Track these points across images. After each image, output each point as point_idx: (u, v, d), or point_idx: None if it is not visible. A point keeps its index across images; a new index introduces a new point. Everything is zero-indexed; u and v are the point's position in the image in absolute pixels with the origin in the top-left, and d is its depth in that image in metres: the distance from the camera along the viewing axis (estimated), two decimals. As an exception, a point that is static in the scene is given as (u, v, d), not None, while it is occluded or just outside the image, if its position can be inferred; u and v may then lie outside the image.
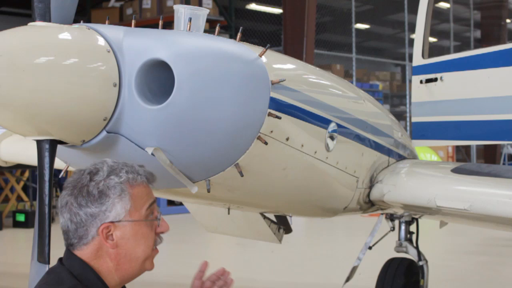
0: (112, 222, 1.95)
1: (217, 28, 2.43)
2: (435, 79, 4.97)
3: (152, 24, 11.68)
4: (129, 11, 14.30)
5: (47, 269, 2.13)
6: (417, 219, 4.58)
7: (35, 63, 1.99)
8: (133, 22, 2.58)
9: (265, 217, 4.27)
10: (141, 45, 2.23)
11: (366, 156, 3.27)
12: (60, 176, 2.76)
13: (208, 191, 2.41)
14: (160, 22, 2.62)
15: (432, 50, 5.20)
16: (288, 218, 4.79)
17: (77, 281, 1.92)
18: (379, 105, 3.80)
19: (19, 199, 12.34)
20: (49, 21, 2.11)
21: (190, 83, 2.17)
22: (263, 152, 2.41)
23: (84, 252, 1.97)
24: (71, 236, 1.97)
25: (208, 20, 9.13)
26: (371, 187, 3.45)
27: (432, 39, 17.42)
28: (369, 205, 3.54)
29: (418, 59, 5.10)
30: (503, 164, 18.06)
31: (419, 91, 5.07)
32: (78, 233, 1.96)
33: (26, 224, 10.87)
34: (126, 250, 1.98)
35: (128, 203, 1.97)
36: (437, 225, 5.48)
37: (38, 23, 2.10)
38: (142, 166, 2.05)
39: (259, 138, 2.35)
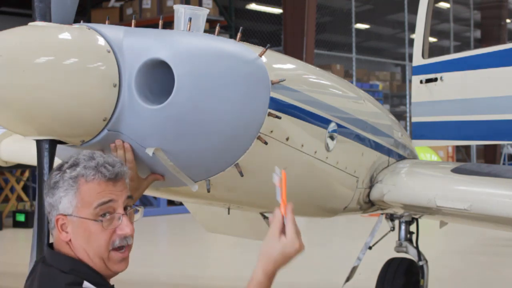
0: (64, 214, 1.96)
1: (217, 28, 2.43)
2: (435, 79, 4.97)
3: (152, 24, 11.67)
4: (129, 11, 14.30)
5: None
6: (417, 219, 4.57)
7: (35, 63, 1.99)
8: (133, 22, 2.58)
9: (265, 217, 4.27)
10: (141, 45, 2.23)
11: (366, 156, 3.27)
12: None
13: (208, 191, 2.41)
14: (160, 22, 2.62)
15: (432, 50, 5.20)
16: (288, 218, 4.79)
17: (73, 276, 1.92)
18: (379, 105, 3.80)
19: (19, 199, 12.34)
20: (50, 21, 2.11)
21: (190, 83, 2.17)
22: (263, 152, 2.41)
23: (56, 241, 2.01)
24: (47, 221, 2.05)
25: (208, 20, 9.12)
26: (371, 187, 3.45)
27: (432, 39, 17.43)
28: (369, 205, 3.54)
29: (418, 59, 5.10)
30: (503, 164, 18.06)
31: (419, 91, 5.07)
32: (48, 219, 2.03)
33: (26, 224, 10.87)
34: (81, 245, 1.97)
35: (74, 198, 1.95)
36: (437, 225, 5.48)
37: (39, 23, 2.10)
38: (120, 163, 2.01)
39: (259, 138, 2.35)
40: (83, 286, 1.91)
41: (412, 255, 4.57)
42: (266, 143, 2.36)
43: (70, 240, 1.97)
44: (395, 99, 22.30)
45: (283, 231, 1.92)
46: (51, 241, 2.07)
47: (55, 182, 1.97)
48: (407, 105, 17.32)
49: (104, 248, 1.97)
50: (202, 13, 2.44)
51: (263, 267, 1.92)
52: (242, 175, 2.38)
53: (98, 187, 1.96)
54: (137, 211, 2.07)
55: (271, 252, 1.92)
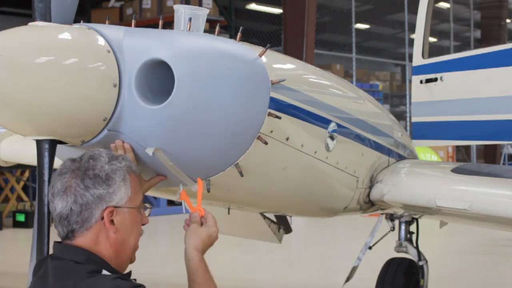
0: (115, 206, 1.99)
1: (217, 28, 2.43)
2: (435, 79, 4.97)
3: (152, 24, 11.68)
4: (129, 11, 14.31)
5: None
6: (417, 219, 4.57)
7: (35, 63, 1.99)
8: (133, 22, 2.57)
9: (265, 217, 4.28)
10: (141, 45, 2.22)
11: (366, 156, 3.27)
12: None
13: (208, 191, 2.41)
14: (160, 22, 2.62)
15: (432, 50, 5.20)
16: (288, 218, 4.80)
17: (91, 265, 1.94)
18: (379, 105, 3.80)
19: (19, 199, 12.34)
20: (50, 21, 2.11)
21: (190, 83, 2.17)
22: (263, 152, 2.41)
23: (84, 239, 1.98)
24: (72, 221, 1.97)
25: (208, 20, 9.12)
26: (371, 187, 3.45)
27: (432, 39, 17.43)
28: (369, 205, 3.54)
29: (418, 59, 5.10)
30: (503, 164, 18.07)
31: (419, 91, 5.07)
32: (82, 216, 1.97)
33: (26, 224, 10.87)
34: (123, 237, 2.03)
35: (129, 189, 2.03)
36: (437, 225, 5.48)
37: (39, 23, 2.10)
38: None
39: (259, 138, 2.35)
40: (102, 273, 1.93)
41: (412, 255, 4.57)
42: (266, 143, 2.36)
43: (117, 231, 2.00)
44: (395, 99, 22.30)
45: (201, 224, 2.21)
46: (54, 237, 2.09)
47: (107, 173, 1.99)
48: (407, 105, 17.33)
49: (139, 237, 2.09)
50: (202, 13, 2.44)
51: (193, 245, 2.14)
52: (242, 175, 2.38)
53: (137, 179, 2.11)
54: (146, 208, 2.16)
55: (197, 233, 2.17)
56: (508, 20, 19.86)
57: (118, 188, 1.99)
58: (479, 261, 8.42)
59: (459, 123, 4.96)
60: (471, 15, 20.45)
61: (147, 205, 2.16)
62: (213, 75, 2.22)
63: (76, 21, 2.26)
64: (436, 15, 16.33)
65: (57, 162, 2.30)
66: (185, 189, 2.39)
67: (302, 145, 2.62)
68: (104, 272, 1.94)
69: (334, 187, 3.08)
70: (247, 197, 2.76)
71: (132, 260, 2.10)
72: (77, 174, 1.98)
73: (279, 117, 2.39)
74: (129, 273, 2.08)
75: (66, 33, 2.10)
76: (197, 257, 2.12)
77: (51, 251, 2.16)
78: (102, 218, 1.98)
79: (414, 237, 4.62)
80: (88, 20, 13.45)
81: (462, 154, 20.11)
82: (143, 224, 2.13)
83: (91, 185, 1.96)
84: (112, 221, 1.99)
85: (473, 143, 14.89)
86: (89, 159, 2.01)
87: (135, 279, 2.02)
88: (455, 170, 3.52)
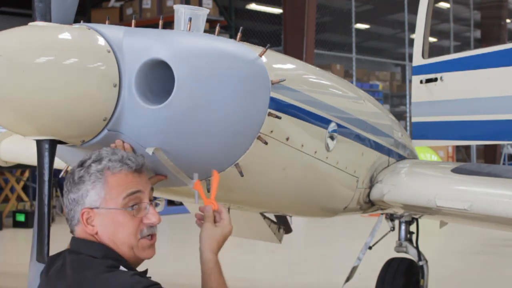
0: (90, 208, 2.05)
1: (217, 28, 2.43)
2: (435, 79, 4.97)
3: (152, 24, 11.68)
4: (129, 11, 14.31)
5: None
6: (417, 219, 4.57)
7: (35, 63, 1.99)
8: (133, 22, 2.57)
9: (265, 217, 4.28)
10: (141, 45, 2.22)
11: (366, 156, 3.27)
12: (60, 176, 2.76)
13: (208, 190, 2.41)
14: (160, 22, 2.62)
15: (432, 50, 5.20)
16: (288, 218, 4.80)
17: (110, 260, 2.01)
18: (379, 105, 3.80)
19: (19, 199, 12.35)
20: (50, 21, 2.11)
21: (190, 83, 2.17)
22: (263, 152, 2.41)
23: (79, 231, 2.09)
24: (68, 219, 2.12)
25: (208, 20, 9.12)
26: (371, 187, 3.45)
27: (432, 39, 17.42)
28: (369, 205, 3.54)
29: (418, 59, 5.10)
30: (503, 164, 18.06)
31: (419, 91, 5.07)
32: (70, 216, 2.10)
33: (26, 224, 10.88)
34: (108, 236, 2.07)
35: (102, 190, 2.05)
36: (437, 225, 5.48)
37: (39, 23, 2.10)
38: (141, 156, 2.16)
39: (259, 138, 2.35)
40: (120, 269, 2.00)
41: (412, 255, 4.57)
42: (266, 143, 2.36)
43: (96, 233, 2.06)
44: (395, 99, 22.30)
45: (215, 221, 2.21)
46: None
47: (80, 177, 2.06)
48: (407, 105, 17.33)
49: (134, 237, 2.08)
50: (202, 13, 2.44)
51: (210, 248, 2.15)
52: (242, 175, 2.38)
53: (125, 178, 2.08)
54: (158, 204, 2.19)
55: (213, 235, 2.17)
56: (508, 20, 19.86)
57: (87, 191, 2.06)
58: (479, 261, 8.43)
59: (459, 123, 4.96)
60: (471, 15, 20.45)
61: (156, 201, 2.18)
62: (213, 75, 2.22)
63: (76, 21, 2.26)
64: (436, 15, 16.32)
65: (57, 162, 2.30)
66: (183, 190, 2.39)
67: (302, 145, 2.62)
68: (122, 268, 2.00)
69: (334, 187, 3.08)
70: (247, 197, 2.75)
71: (145, 256, 2.13)
72: (67, 176, 2.13)
73: (279, 117, 2.39)
74: (145, 271, 2.12)
75: (66, 33, 2.10)
76: (213, 261, 2.14)
77: (51, 251, 2.17)
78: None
79: (414, 237, 4.62)
80: (88, 20, 13.45)
81: (462, 154, 20.11)
82: (151, 224, 2.12)
83: (70, 189, 2.09)
84: (92, 222, 2.07)
85: (473, 143, 14.90)
86: (79, 161, 2.12)
87: (150, 277, 2.07)
88: (455, 170, 3.52)
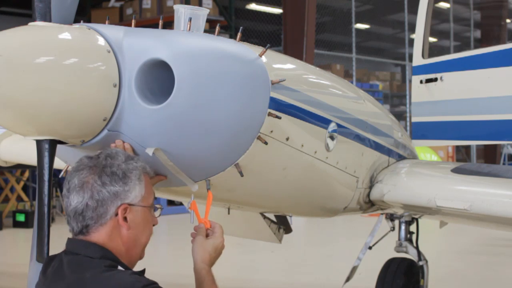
0: (129, 204, 2.06)
1: (217, 28, 2.42)
2: (435, 79, 4.97)
3: (152, 24, 11.68)
4: (129, 11, 14.31)
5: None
6: (417, 219, 4.57)
7: (35, 63, 1.99)
8: (133, 22, 2.57)
9: (265, 217, 4.27)
10: (141, 45, 2.22)
11: (366, 156, 3.27)
12: (60, 176, 2.77)
13: (209, 189, 2.41)
14: (160, 22, 2.62)
15: (432, 50, 5.20)
16: (288, 218, 4.79)
17: (108, 260, 2.02)
18: (379, 105, 3.80)
19: (19, 199, 12.35)
20: (50, 21, 2.11)
21: (190, 83, 2.17)
22: (263, 152, 2.41)
23: (98, 234, 2.05)
24: (87, 217, 2.04)
25: (208, 20, 9.12)
26: (371, 187, 3.45)
27: (432, 39, 17.42)
28: (369, 205, 3.54)
29: (418, 59, 5.09)
30: (503, 164, 18.06)
31: (419, 91, 5.07)
32: (98, 212, 2.04)
33: (26, 224, 10.88)
34: (135, 234, 2.10)
35: (143, 188, 2.11)
36: (437, 225, 5.48)
37: (39, 23, 2.10)
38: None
39: (259, 138, 2.34)
40: (118, 269, 2.02)
41: (412, 255, 4.57)
42: (266, 143, 2.36)
43: (129, 228, 2.08)
44: (395, 99, 22.30)
45: (207, 236, 2.29)
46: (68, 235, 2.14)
47: (124, 171, 2.06)
48: (407, 105, 17.33)
49: (150, 235, 2.16)
50: (202, 13, 2.44)
51: (201, 259, 2.21)
52: (242, 175, 2.38)
53: (149, 181, 2.18)
54: (157, 209, 2.23)
55: (204, 246, 2.24)
56: (508, 20, 19.86)
57: (134, 186, 2.07)
58: (479, 261, 8.43)
59: (459, 123, 4.95)
60: (471, 15, 20.44)
61: (158, 206, 2.23)
62: (213, 75, 2.22)
63: (76, 21, 2.26)
64: (436, 15, 16.33)
65: (57, 162, 2.30)
66: (183, 190, 2.40)
67: (302, 145, 2.62)
68: (120, 268, 2.02)
69: (334, 187, 3.08)
70: (247, 197, 2.75)
71: (141, 256, 2.18)
72: (94, 170, 2.05)
73: (279, 117, 2.39)
74: (143, 271, 2.13)
75: (66, 33, 2.10)
76: (204, 270, 2.19)
77: (51, 251, 2.17)
78: (117, 215, 2.06)
79: (414, 237, 4.62)
80: (88, 20, 13.44)
81: (462, 154, 20.11)
82: (154, 225, 2.20)
83: (108, 182, 2.04)
84: (125, 218, 2.07)
85: (473, 143, 14.89)
86: (106, 157, 2.09)
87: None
88: (455, 170, 3.52)
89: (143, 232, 2.13)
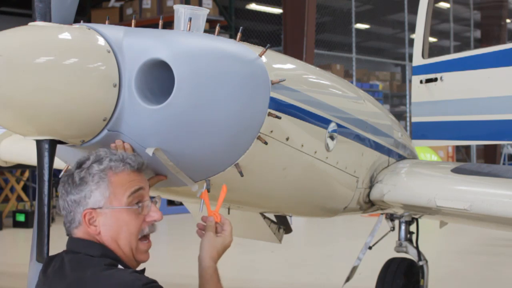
0: (93, 208, 2.05)
1: (217, 28, 2.42)
2: (435, 79, 4.97)
3: (152, 24, 11.68)
4: (129, 11, 14.30)
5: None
6: (417, 219, 4.57)
7: (35, 63, 1.99)
8: (133, 22, 2.57)
9: (265, 217, 4.27)
10: (141, 45, 2.22)
11: (366, 156, 3.27)
12: (60, 176, 2.76)
13: (208, 191, 2.41)
14: (160, 22, 2.62)
15: (432, 50, 5.20)
16: (288, 218, 4.79)
17: (108, 259, 2.03)
18: (379, 105, 3.80)
19: (19, 199, 12.34)
20: (50, 21, 2.11)
21: (190, 83, 2.17)
22: (263, 152, 2.41)
23: (79, 232, 2.10)
24: (66, 220, 2.11)
25: (208, 20, 9.13)
26: (371, 187, 3.45)
27: (432, 39, 17.42)
28: (369, 205, 3.54)
29: (418, 59, 5.10)
30: (503, 164, 18.06)
31: (419, 91, 5.07)
32: (69, 218, 2.10)
33: (26, 224, 10.87)
34: (111, 236, 2.07)
35: (106, 190, 2.06)
36: (437, 225, 5.48)
37: (39, 23, 2.10)
38: (139, 156, 2.18)
39: (259, 138, 2.34)
40: (118, 267, 2.03)
41: (412, 255, 4.57)
42: (266, 143, 2.36)
43: (99, 233, 2.07)
44: (395, 99, 22.30)
45: (217, 232, 2.27)
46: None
47: (82, 178, 2.06)
48: (407, 105, 17.33)
49: (135, 237, 2.10)
50: (202, 13, 2.44)
51: (210, 256, 2.20)
52: (242, 175, 2.38)
53: (128, 177, 2.10)
54: (156, 201, 2.22)
55: (214, 244, 2.22)
56: (508, 20, 19.85)
57: (90, 191, 2.06)
58: (479, 261, 8.43)
59: (459, 123, 4.96)
60: (471, 15, 20.44)
61: (155, 199, 2.21)
62: (213, 75, 2.22)
63: (76, 21, 2.26)
64: (436, 15, 16.32)
65: (57, 162, 2.30)
66: (184, 190, 2.39)
67: (302, 145, 2.62)
68: (119, 266, 2.03)
69: (334, 187, 3.08)
70: (247, 197, 2.75)
71: (142, 259, 2.16)
72: (64, 179, 2.12)
73: (279, 117, 2.39)
74: (143, 270, 2.13)
75: (66, 33, 2.10)
76: (212, 268, 2.18)
77: (51, 251, 2.17)
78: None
79: (414, 237, 4.62)
80: (88, 20, 13.44)
81: (462, 154, 20.10)
82: (154, 221, 2.16)
83: (69, 190, 2.09)
84: (95, 222, 2.07)
85: (473, 143, 14.89)
86: (77, 163, 2.12)
87: None
88: (455, 170, 3.52)
89: (119, 233, 2.08)
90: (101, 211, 2.06)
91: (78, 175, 2.07)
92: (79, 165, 2.10)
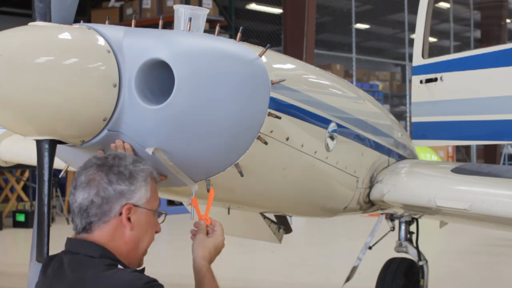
0: (134, 204, 2.07)
1: (217, 28, 2.43)
2: (435, 79, 4.97)
3: (152, 24, 11.67)
4: (129, 11, 14.30)
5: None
6: (417, 219, 4.57)
7: (35, 63, 1.99)
8: (133, 22, 2.57)
9: (265, 217, 4.27)
10: (141, 45, 2.22)
11: (366, 156, 3.27)
12: (60, 176, 2.77)
13: (208, 191, 2.41)
14: (160, 22, 2.62)
15: (432, 50, 5.20)
16: (288, 218, 4.79)
17: (109, 259, 2.03)
18: (379, 105, 3.80)
19: (19, 199, 12.34)
20: (50, 21, 2.11)
21: (190, 83, 2.17)
22: (263, 152, 2.41)
23: (101, 232, 2.06)
24: (91, 213, 2.05)
25: (208, 20, 9.12)
26: (371, 187, 3.45)
27: (432, 39, 17.41)
28: (369, 205, 3.54)
29: (418, 59, 5.10)
30: (503, 164, 18.06)
31: (419, 91, 5.07)
32: (102, 209, 2.05)
33: (26, 224, 10.87)
34: (138, 236, 2.10)
35: (148, 191, 2.12)
36: (437, 225, 5.48)
37: (39, 23, 2.10)
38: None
39: (259, 138, 2.35)
40: (119, 267, 2.03)
41: (412, 255, 4.57)
42: (266, 143, 2.36)
43: (131, 229, 2.08)
44: (395, 99, 22.30)
45: (208, 233, 2.31)
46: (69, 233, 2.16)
47: (131, 172, 2.08)
48: (407, 105, 17.33)
49: (152, 241, 2.16)
50: (202, 13, 2.44)
51: (201, 256, 2.23)
52: (242, 175, 2.38)
53: (155, 186, 2.19)
54: (161, 215, 2.23)
55: (205, 244, 2.26)
56: (508, 20, 19.86)
57: (139, 187, 2.09)
58: (479, 261, 8.43)
59: (459, 123, 4.96)
60: (471, 15, 20.44)
61: (162, 212, 2.23)
62: (213, 75, 2.22)
63: (76, 21, 2.26)
64: (436, 15, 16.32)
65: (57, 162, 2.30)
66: (183, 190, 2.40)
67: (302, 145, 2.62)
68: (119, 267, 2.03)
69: (334, 187, 3.08)
70: (247, 197, 2.76)
71: (140, 264, 2.18)
72: (102, 169, 2.07)
73: (279, 117, 2.39)
74: (143, 270, 2.15)
75: (66, 33, 2.10)
76: (204, 267, 2.21)
77: (51, 251, 2.17)
78: (121, 214, 2.06)
79: (414, 237, 4.62)
80: (88, 20, 13.43)
81: (462, 154, 20.11)
82: (156, 232, 2.20)
83: (115, 180, 2.06)
84: (129, 219, 2.07)
85: (473, 143, 14.90)
86: (114, 157, 2.11)
87: None
88: (455, 170, 3.52)
89: (145, 235, 2.13)
90: (138, 209, 2.09)
91: (126, 168, 2.08)
92: (120, 160, 2.09)
